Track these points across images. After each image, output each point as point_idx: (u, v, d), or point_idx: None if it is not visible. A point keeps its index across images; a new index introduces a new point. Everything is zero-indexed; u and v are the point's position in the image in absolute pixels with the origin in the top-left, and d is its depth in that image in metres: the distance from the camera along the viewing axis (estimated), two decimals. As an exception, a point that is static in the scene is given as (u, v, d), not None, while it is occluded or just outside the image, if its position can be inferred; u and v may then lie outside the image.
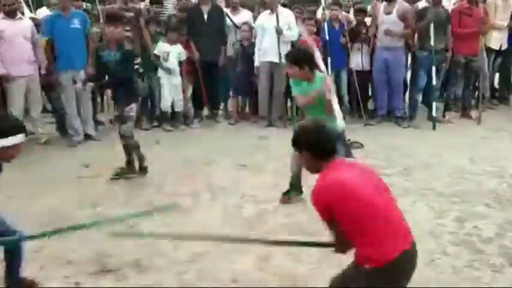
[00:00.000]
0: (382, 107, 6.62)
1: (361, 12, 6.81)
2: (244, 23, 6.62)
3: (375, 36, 6.51)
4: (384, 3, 6.39)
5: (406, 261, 2.11)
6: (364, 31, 6.62)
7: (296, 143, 2.32)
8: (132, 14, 6.15)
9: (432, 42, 6.19)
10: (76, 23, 5.71)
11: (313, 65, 3.89)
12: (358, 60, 6.64)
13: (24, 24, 5.58)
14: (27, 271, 2.92)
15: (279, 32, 6.25)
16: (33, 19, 6.13)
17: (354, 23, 6.78)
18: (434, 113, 6.37)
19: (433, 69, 6.28)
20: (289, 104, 6.67)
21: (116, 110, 4.44)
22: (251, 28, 6.62)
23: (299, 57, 3.94)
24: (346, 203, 2.08)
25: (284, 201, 4.12)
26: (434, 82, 6.34)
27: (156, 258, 3.27)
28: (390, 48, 6.28)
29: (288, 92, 6.36)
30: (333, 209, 2.10)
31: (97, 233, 3.55)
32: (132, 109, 4.52)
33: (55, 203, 4.11)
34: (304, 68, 3.84)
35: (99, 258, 3.26)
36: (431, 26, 6.16)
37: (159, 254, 3.31)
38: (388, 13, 6.26)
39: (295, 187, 4.17)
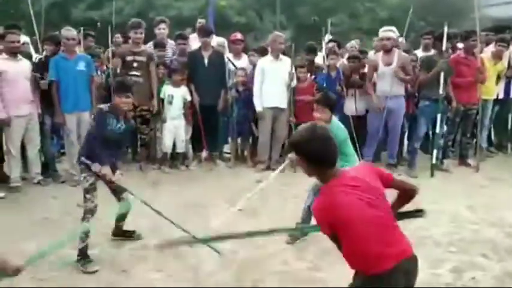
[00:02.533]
0: (371, 153, 6.63)
1: (355, 58, 6.95)
2: (240, 69, 6.76)
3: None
4: (381, 54, 6.49)
5: (396, 274, 2.15)
6: (357, 77, 6.74)
7: (294, 146, 2.24)
8: (143, 59, 6.26)
9: (441, 91, 6.27)
10: (82, 66, 5.86)
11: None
12: (352, 106, 6.74)
13: (24, 64, 5.68)
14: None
15: (291, 78, 6.45)
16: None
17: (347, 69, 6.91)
18: (434, 160, 6.37)
19: (438, 117, 6.33)
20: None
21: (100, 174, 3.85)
22: (246, 74, 6.76)
23: (332, 101, 4.20)
24: (346, 227, 2.12)
25: (290, 242, 4.16)
26: (438, 130, 6.37)
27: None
28: (392, 98, 6.33)
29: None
30: (334, 229, 2.14)
31: (88, 276, 3.53)
32: (122, 175, 4.25)
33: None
34: (333, 112, 4.15)
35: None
36: (442, 75, 6.26)
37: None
38: (388, 64, 6.36)
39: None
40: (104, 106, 3.98)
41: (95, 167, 3.79)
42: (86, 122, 5.71)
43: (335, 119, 4.09)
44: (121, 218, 4.19)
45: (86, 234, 3.76)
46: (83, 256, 3.73)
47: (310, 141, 2.17)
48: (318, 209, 2.18)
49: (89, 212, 3.78)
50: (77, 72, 5.81)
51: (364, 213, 2.14)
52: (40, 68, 5.84)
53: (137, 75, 6.17)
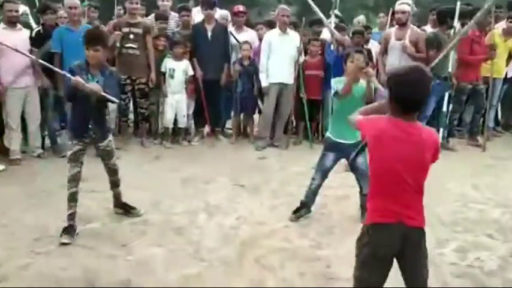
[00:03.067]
0: None
1: (359, 34, 6.77)
2: (245, 42, 6.61)
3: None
4: (395, 28, 6.32)
5: (382, 232, 2.29)
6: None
7: (389, 80, 2.29)
8: (140, 31, 6.09)
9: (450, 69, 6.11)
10: None
11: None
12: None
13: (24, 34, 5.53)
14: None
15: (299, 53, 6.33)
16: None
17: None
18: (440, 139, 6.26)
19: (446, 96, 6.21)
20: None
21: (84, 141, 3.76)
22: (251, 47, 6.61)
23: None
24: (376, 147, 2.27)
25: (294, 220, 4.10)
26: (444, 108, 6.26)
27: (146, 279, 3.16)
28: None
29: (303, 114, 6.40)
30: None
31: (88, 250, 3.50)
32: (111, 142, 4.00)
33: (48, 218, 4.02)
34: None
35: (88, 277, 3.16)
36: (451, 53, 6.09)
37: (149, 275, 3.21)
38: (399, 39, 6.19)
39: (307, 205, 4.16)
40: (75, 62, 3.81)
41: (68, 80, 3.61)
42: None
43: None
44: (113, 184, 4.09)
45: (72, 203, 3.72)
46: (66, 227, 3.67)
47: (407, 84, 2.21)
48: (366, 119, 2.38)
49: (72, 180, 3.70)
50: (81, 44, 5.64)
51: (389, 162, 2.24)
52: (36, 40, 5.65)
53: (134, 48, 6.02)
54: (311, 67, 6.53)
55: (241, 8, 7.00)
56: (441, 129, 6.28)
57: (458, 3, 6.10)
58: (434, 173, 5.34)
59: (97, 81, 3.69)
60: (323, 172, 4.08)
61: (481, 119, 6.95)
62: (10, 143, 5.53)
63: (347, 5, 16.03)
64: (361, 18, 7.93)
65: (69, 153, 3.78)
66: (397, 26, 6.29)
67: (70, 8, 5.65)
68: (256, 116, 7.00)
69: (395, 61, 6.19)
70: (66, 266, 3.28)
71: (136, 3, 6.10)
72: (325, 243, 3.73)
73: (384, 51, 6.46)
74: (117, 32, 5.99)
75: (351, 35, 6.94)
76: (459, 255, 3.59)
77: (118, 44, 6.02)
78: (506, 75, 7.08)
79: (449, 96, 6.36)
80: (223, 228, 3.94)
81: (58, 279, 3.13)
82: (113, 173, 4.04)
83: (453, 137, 6.69)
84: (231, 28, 6.94)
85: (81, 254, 3.45)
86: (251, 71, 6.57)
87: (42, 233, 3.75)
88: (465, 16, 6.40)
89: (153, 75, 6.16)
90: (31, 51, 5.50)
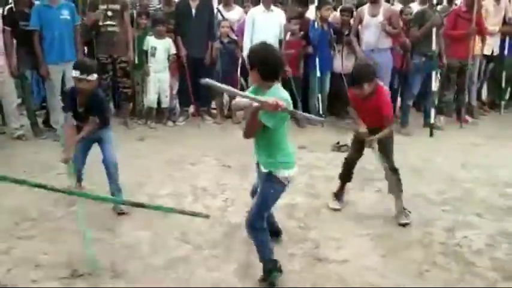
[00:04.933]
0: None
1: (346, 11, 6.67)
2: (224, 20, 6.45)
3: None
4: (367, 6, 6.23)
5: None
6: (346, 33, 6.51)
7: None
8: (117, 7, 5.90)
9: (434, 47, 6.06)
10: (66, 14, 5.50)
11: None
12: (338, 62, 6.56)
13: None
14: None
15: (285, 30, 6.24)
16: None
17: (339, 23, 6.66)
18: (432, 120, 6.23)
19: (433, 74, 6.16)
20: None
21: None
22: (231, 25, 6.47)
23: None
24: None
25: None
26: (434, 88, 6.21)
27: (132, 263, 3.09)
28: (378, 50, 6.11)
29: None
30: None
31: (71, 235, 3.40)
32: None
33: (29, 200, 3.89)
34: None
35: (71, 262, 3.07)
36: (434, 30, 6.03)
37: (135, 259, 3.13)
38: (374, 15, 6.12)
39: None
40: None
41: None
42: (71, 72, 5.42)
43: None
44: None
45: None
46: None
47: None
48: None
49: None
50: (61, 21, 5.46)
51: None
52: (8, 18, 5.42)
53: (113, 25, 5.84)
54: (291, 46, 6.41)
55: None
56: (433, 110, 6.23)
57: None
58: (422, 153, 5.43)
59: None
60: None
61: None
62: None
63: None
64: None
65: None
66: (369, 3, 6.21)
67: None
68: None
69: (372, 37, 6.13)
70: (48, 251, 3.19)
71: None
72: (313, 224, 3.69)
73: (357, 28, 6.37)
74: (98, 11, 5.80)
75: (338, 12, 6.86)
76: (447, 234, 3.57)
77: (101, 23, 5.84)
78: (492, 52, 7.05)
79: (439, 74, 6.31)
80: (210, 211, 3.85)
81: (40, 263, 3.03)
82: None
83: (441, 115, 6.65)
84: (219, 5, 6.77)
85: (64, 238, 3.36)
86: (232, 48, 6.43)
87: (24, 216, 3.65)
88: None
89: (130, 54, 6.00)
90: (4, 31, 5.30)
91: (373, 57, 5.91)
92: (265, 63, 2.65)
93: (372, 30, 6.14)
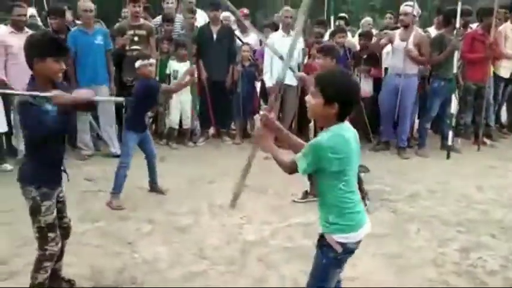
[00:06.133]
0: (387, 134, 6.54)
1: (366, 36, 6.80)
2: (245, 44, 6.66)
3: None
4: (400, 30, 6.34)
5: None
6: (365, 56, 6.64)
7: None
8: (144, 33, 6.17)
9: (455, 70, 6.13)
10: (99, 39, 5.83)
11: None
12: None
13: None
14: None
15: (304, 54, 6.43)
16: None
17: (357, 48, 6.80)
18: (450, 142, 6.24)
19: (452, 97, 6.20)
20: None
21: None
22: (252, 49, 6.68)
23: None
24: None
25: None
26: (452, 110, 6.23)
27: (151, 276, 3.21)
28: (405, 76, 6.14)
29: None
30: None
31: (94, 249, 3.56)
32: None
33: (55, 216, 4.08)
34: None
35: (94, 274, 3.22)
36: (455, 54, 6.11)
37: (154, 272, 3.26)
38: (404, 40, 6.20)
39: None
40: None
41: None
42: (103, 95, 5.67)
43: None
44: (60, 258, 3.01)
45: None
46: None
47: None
48: None
49: (50, 259, 2.70)
50: (95, 46, 5.79)
51: None
52: None
53: (138, 49, 6.09)
54: (312, 69, 6.55)
55: (245, 10, 7.10)
56: (450, 132, 6.25)
57: (460, 3, 6.10)
58: (438, 175, 5.46)
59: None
60: None
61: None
62: (18, 143, 5.62)
63: (353, 7, 16.11)
64: (368, 19, 7.94)
65: (47, 218, 2.67)
66: (402, 28, 6.31)
67: (85, 10, 5.75)
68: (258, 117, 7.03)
69: (399, 63, 6.20)
70: (72, 263, 3.33)
71: (139, 7, 6.18)
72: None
73: (384, 47, 6.47)
74: (126, 36, 6.09)
75: (357, 36, 7.02)
76: (462, 254, 3.60)
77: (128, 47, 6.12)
78: (511, 75, 7.07)
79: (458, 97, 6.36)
80: (227, 228, 3.99)
81: (65, 276, 3.18)
82: (67, 234, 2.96)
83: (459, 137, 6.67)
84: (236, 31, 7.00)
85: (87, 251, 3.51)
86: (252, 72, 6.63)
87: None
88: (469, 14, 6.42)
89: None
90: None
91: (398, 81, 6.10)
92: (349, 101, 2.14)
93: (399, 55, 6.18)
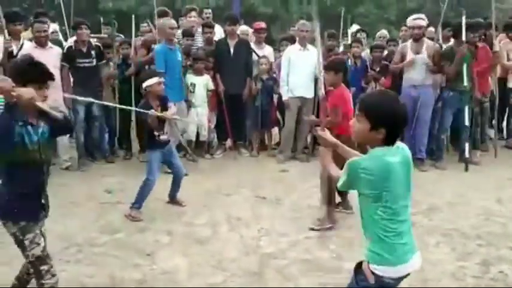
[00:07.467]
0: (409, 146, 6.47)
1: (378, 48, 6.81)
2: (263, 57, 6.73)
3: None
4: (410, 42, 6.34)
5: None
6: (377, 69, 6.66)
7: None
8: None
9: (465, 82, 6.11)
10: (179, 56, 6.02)
11: None
12: None
13: (54, 52, 5.75)
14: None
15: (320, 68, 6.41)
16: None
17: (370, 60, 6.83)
18: (467, 154, 6.18)
19: (466, 109, 6.17)
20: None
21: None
22: (269, 62, 6.73)
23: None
24: None
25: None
26: (467, 122, 6.17)
27: (171, 287, 3.24)
28: (420, 86, 6.14)
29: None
30: None
31: (114, 259, 3.61)
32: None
33: (76, 227, 4.16)
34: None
35: (114, 285, 3.26)
36: (465, 65, 6.10)
37: (173, 283, 3.29)
38: (417, 52, 6.20)
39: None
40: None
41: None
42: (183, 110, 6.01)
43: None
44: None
45: None
46: None
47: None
48: None
49: None
50: (179, 63, 6.08)
51: None
52: (68, 56, 5.86)
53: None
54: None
55: (262, 24, 7.16)
56: (467, 144, 6.18)
57: (463, 17, 6.08)
58: (457, 187, 5.42)
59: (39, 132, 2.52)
60: None
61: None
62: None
63: (368, 20, 16.13)
64: (383, 32, 7.97)
65: (37, 250, 2.51)
66: (412, 41, 6.31)
67: (171, 28, 5.93)
68: (276, 129, 7.10)
69: (416, 76, 6.17)
70: (93, 274, 3.38)
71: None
72: (346, 255, 3.75)
73: (399, 62, 6.43)
74: (142, 50, 6.21)
75: (369, 49, 7.04)
76: (482, 268, 3.56)
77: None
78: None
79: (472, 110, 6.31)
80: (245, 240, 4.01)
81: (85, 285, 3.23)
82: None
83: (477, 150, 6.60)
84: (252, 44, 7.07)
85: (107, 262, 3.56)
86: (270, 85, 6.68)
87: (70, 242, 3.88)
88: (475, 28, 6.37)
89: None
90: (62, 67, 5.73)
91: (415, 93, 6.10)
92: (397, 124, 2.02)
93: (416, 68, 6.17)
